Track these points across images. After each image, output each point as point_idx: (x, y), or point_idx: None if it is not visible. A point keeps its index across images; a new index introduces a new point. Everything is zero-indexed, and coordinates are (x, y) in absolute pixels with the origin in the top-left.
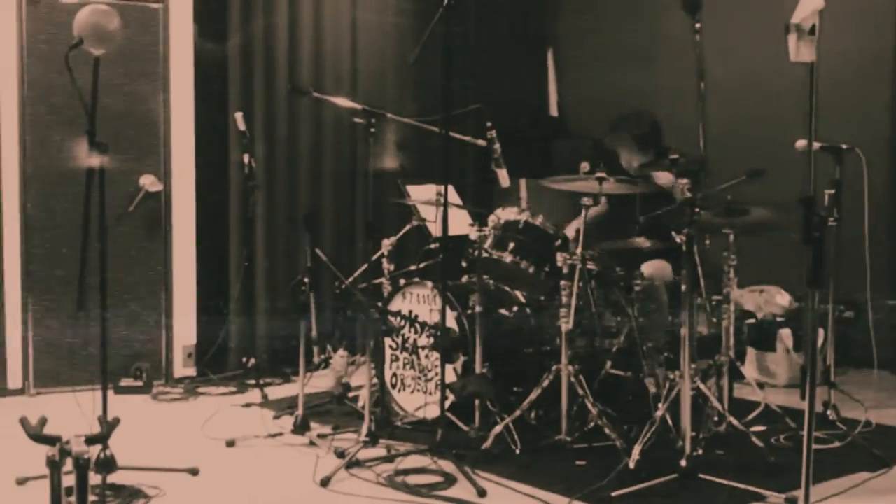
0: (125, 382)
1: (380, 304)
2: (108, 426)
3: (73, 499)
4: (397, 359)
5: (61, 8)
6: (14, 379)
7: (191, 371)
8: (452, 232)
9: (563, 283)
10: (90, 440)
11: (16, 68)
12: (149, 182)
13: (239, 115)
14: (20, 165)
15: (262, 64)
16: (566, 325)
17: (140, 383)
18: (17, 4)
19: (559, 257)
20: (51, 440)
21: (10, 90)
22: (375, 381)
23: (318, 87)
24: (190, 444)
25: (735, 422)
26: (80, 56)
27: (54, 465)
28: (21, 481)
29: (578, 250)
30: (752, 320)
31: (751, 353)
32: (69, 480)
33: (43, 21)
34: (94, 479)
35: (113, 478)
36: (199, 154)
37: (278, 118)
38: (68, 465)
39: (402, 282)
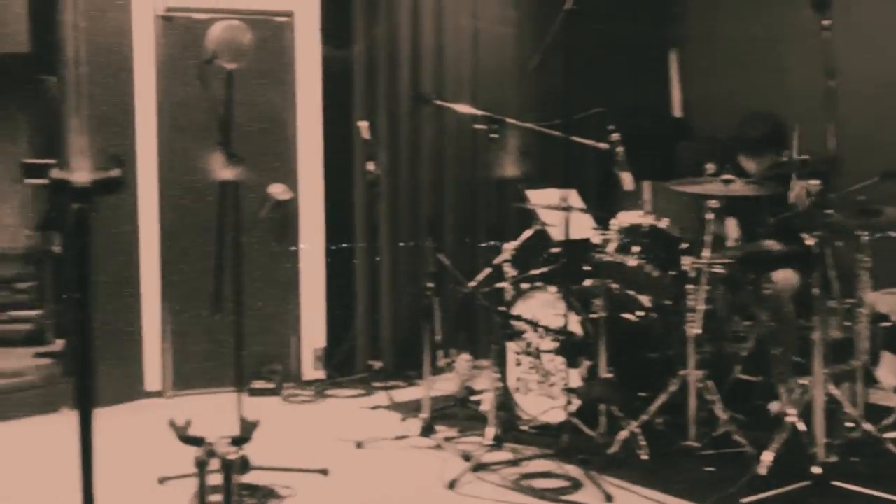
0: (257, 385)
1: (502, 308)
2: (249, 427)
3: (212, 498)
4: (521, 363)
5: (194, 24)
6: (152, 382)
7: (320, 374)
8: (575, 236)
9: (689, 286)
10: (235, 441)
11: (153, 83)
12: (279, 191)
13: (364, 124)
14: (158, 177)
15: (386, 73)
16: (693, 329)
17: (272, 385)
18: (154, 21)
19: (685, 261)
20: (197, 441)
21: (147, 104)
22: (499, 384)
23: (439, 95)
24: (320, 445)
25: (870, 428)
26: (212, 69)
27: (202, 465)
28: (162, 480)
29: (706, 253)
30: (887, 323)
31: (886, 357)
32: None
33: (177, 37)
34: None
35: (247, 478)
36: (326, 162)
37: (401, 126)
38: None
39: (524, 286)
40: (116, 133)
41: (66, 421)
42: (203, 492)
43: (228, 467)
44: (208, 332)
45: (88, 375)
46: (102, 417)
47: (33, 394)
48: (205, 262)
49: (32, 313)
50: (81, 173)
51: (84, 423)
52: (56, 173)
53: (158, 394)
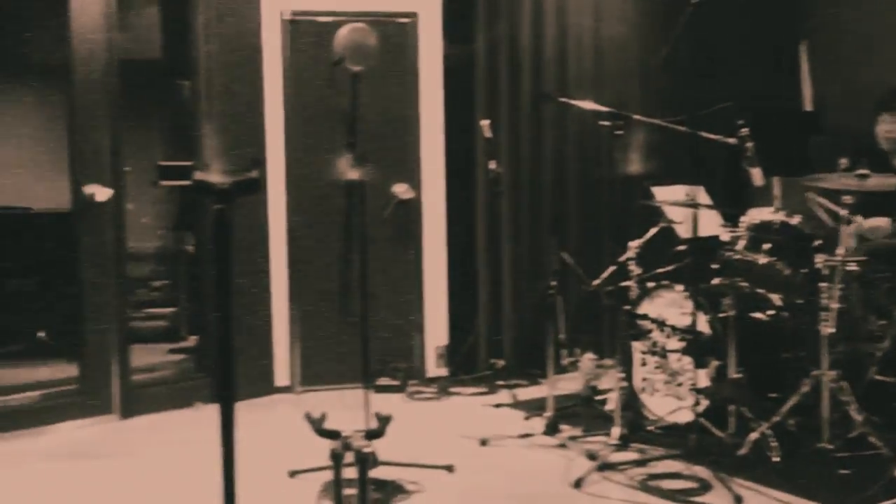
0: (382, 381)
1: (627, 307)
2: (384, 422)
3: (345, 491)
4: (646, 363)
5: (320, 27)
6: (281, 377)
7: (443, 371)
8: (703, 233)
9: (822, 284)
10: (369, 435)
11: (280, 85)
12: (402, 190)
13: (486, 123)
14: (285, 177)
15: (507, 71)
16: (827, 328)
17: (396, 382)
18: (281, 25)
19: (818, 258)
20: (333, 434)
21: (275, 106)
22: (624, 384)
23: (562, 91)
24: (444, 442)
25: None
26: (338, 71)
27: (337, 458)
28: (292, 474)
29: (840, 250)
30: None
31: None
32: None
33: (303, 40)
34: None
35: (374, 472)
36: (448, 162)
37: (523, 124)
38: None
39: (649, 285)
40: (247, 135)
41: (200, 415)
42: (338, 483)
43: (364, 461)
44: (335, 329)
45: (229, 371)
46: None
47: (167, 389)
48: (331, 260)
49: (167, 310)
50: (222, 175)
51: (225, 418)
52: (198, 175)
53: (287, 389)
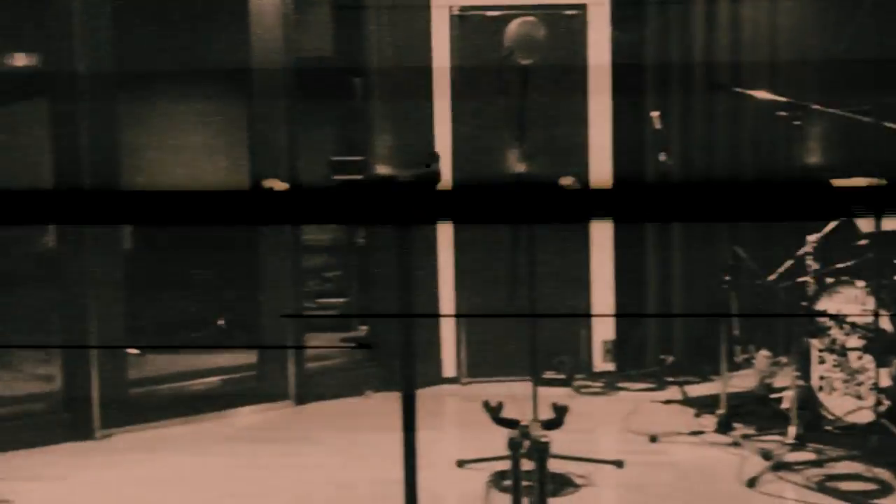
0: (548, 375)
1: (804, 303)
2: (560, 412)
3: (509, 482)
4: (824, 360)
5: (488, 20)
6: (448, 368)
7: (610, 366)
8: (887, 227)
9: None
10: (547, 425)
11: (448, 80)
12: (569, 183)
13: (656, 114)
14: (452, 170)
15: (679, 61)
16: None
17: (562, 376)
18: (450, 21)
19: None
20: (512, 423)
21: (443, 102)
22: (801, 382)
23: (736, 82)
24: (613, 437)
25: None
26: (508, 65)
27: (516, 447)
28: (461, 463)
29: None
30: None
31: None
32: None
33: (471, 34)
34: (528, 464)
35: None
36: (616, 154)
37: (695, 115)
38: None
39: (829, 280)
40: (416, 130)
41: (371, 403)
42: (517, 472)
43: (542, 450)
44: (502, 321)
45: (411, 361)
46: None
47: (339, 377)
48: (498, 252)
49: (339, 300)
50: (401, 170)
51: (406, 408)
52: (380, 169)
53: (454, 380)
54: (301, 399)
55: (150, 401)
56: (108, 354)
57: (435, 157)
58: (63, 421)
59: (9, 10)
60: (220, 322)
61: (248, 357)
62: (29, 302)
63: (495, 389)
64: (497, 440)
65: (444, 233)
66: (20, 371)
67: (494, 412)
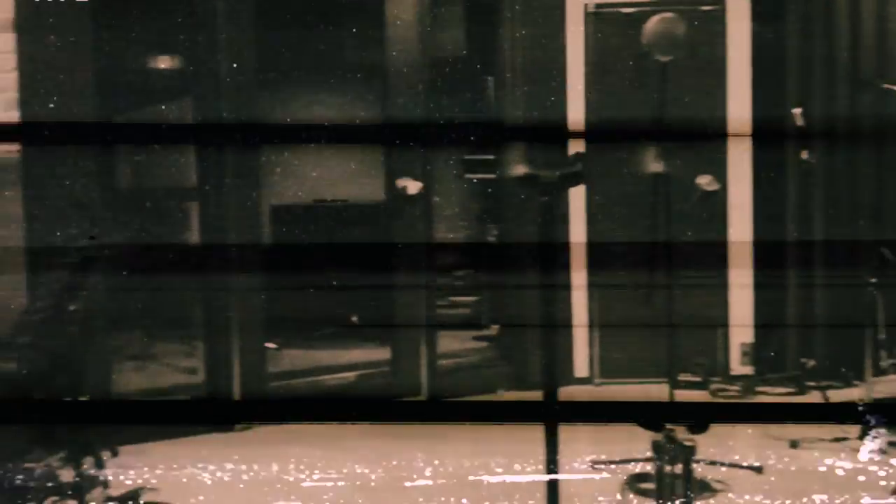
0: (683, 377)
1: None
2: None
3: (645, 485)
4: None
5: (624, 17)
6: (581, 368)
7: (747, 369)
8: None
9: None
10: (693, 429)
11: (582, 78)
12: (706, 181)
13: (797, 111)
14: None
15: (821, 56)
16: None
17: (698, 379)
18: (585, 17)
19: None
20: (657, 426)
21: (577, 99)
22: None
23: (884, 76)
24: (751, 441)
25: None
26: (643, 62)
27: (661, 449)
28: (595, 464)
29: None
30: None
31: None
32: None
33: (607, 31)
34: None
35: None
36: (755, 151)
37: (839, 111)
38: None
39: None
40: (551, 128)
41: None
42: (661, 474)
43: (688, 453)
44: (636, 322)
45: (550, 362)
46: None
47: (471, 374)
48: (633, 251)
49: (470, 299)
50: (549, 169)
51: (548, 407)
52: (522, 169)
53: (587, 381)
54: (434, 396)
55: (287, 394)
56: (248, 348)
57: (579, 156)
58: (205, 412)
59: (153, 13)
60: (354, 319)
61: (383, 353)
62: (173, 295)
63: (629, 391)
64: (630, 442)
65: (577, 231)
66: (165, 364)
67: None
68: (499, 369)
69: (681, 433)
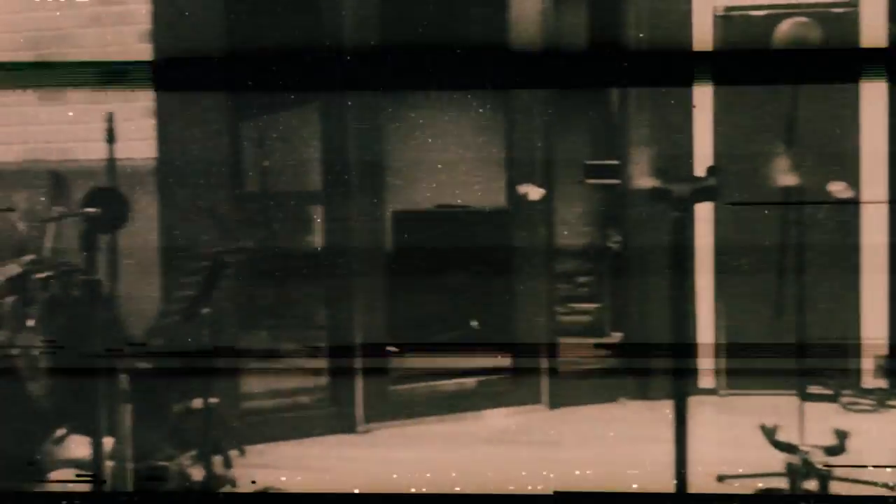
0: (813, 390)
1: None
2: (842, 438)
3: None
4: None
5: (753, 21)
6: (705, 379)
7: (881, 383)
8: None
9: None
10: (829, 451)
11: (709, 83)
12: (839, 189)
13: None
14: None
15: None
16: None
17: (828, 392)
18: (713, 21)
19: None
20: (790, 448)
21: (704, 106)
22: None
23: None
24: (887, 458)
25: None
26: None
27: (796, 473)
28: (721, 478)
29: None
30: None
31: None
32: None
33: (735, 36)
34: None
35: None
36: (892, 157)
37: None
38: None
39: None
40: (675, 135)
41: (625, 411)
42: (795, 498)
43: (825, 478)
44: (764, 332)
45: (681, 374)
46: (660, 410)
47: (592, 383)
48: (760, 261)
49: (591, 306)
50: (682, 183)
51: (679, 415)
52: (653, 181)
53: (712, 391)
54: (554, 404)
55: (408, 398)
56: (371, 351)
57: (714, 171)
58: (328, 414)
59: None
60: (474, 323)
61: (503, 360)
62: (298, 298)
63: (755, 403)
64: (757, 456)
65: (702, 237)
66: (289, 365)
67: (771, 434)
68: (621, 379)
69: (817, 456)
